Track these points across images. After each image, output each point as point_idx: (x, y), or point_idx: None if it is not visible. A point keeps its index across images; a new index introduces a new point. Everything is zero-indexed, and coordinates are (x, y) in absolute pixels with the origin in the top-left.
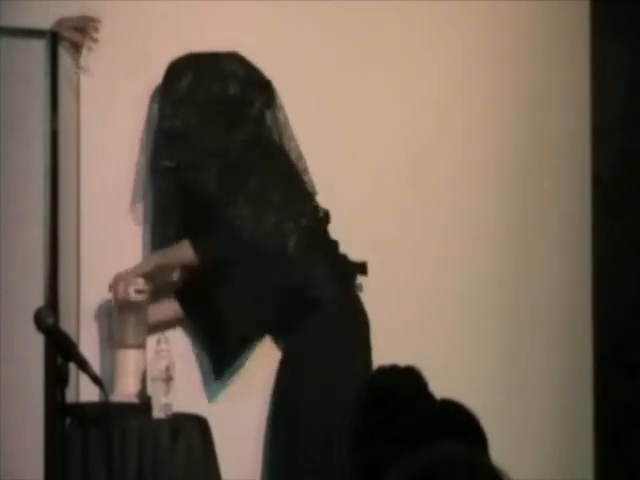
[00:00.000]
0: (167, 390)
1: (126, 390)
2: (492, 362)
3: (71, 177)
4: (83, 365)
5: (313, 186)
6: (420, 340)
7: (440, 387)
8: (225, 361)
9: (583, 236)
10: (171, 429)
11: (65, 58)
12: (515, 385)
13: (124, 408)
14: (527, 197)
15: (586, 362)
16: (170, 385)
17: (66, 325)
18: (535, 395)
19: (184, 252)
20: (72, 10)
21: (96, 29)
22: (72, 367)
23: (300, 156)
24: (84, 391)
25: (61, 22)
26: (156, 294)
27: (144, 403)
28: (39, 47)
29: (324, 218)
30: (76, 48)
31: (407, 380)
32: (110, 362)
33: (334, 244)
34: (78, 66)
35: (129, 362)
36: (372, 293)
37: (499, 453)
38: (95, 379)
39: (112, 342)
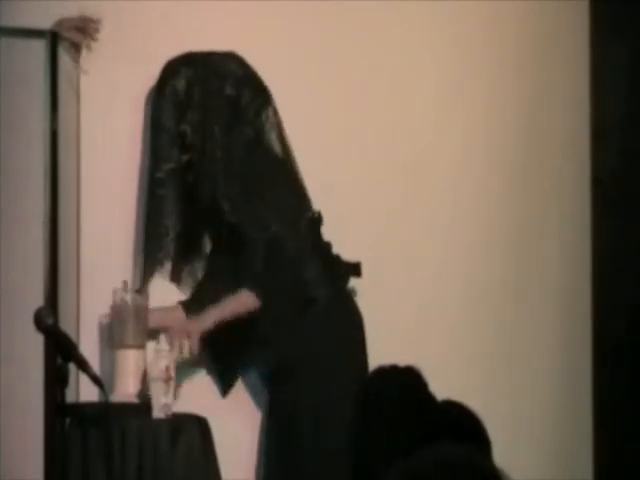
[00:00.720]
0: (167, 390)
1: (126, 390)
2: (492, 362)
3: (71, 177)
4: (83, 365)
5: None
6: (420, 340)
7: (440, 387)
8: (231, 380)
9: (583, 236)
10: (171, 429)
11: (65, 58)
12: (515, 385)
13: (124, 408)
14: (527, 197)
15: (586, 362)
16: (170, 385)
17: (66, 325)
18: (535, 395)
19: (246, 302)
20: (72, 10)
21: (96, 29)
22: (72, 367)
23: (293, 158)
24: (84, 391)
25: (61, 22)
26: None
27: (144, 403)
28: (39, 47)
29: (318, 219)
30: (76, 48)
31: (407, 380)
32: (110, 362)
33: (327, 245)
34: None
35: (129, 362)
36: (372, 293)
37: (499, 453)
38: (95, 379)
39: (112, 342)
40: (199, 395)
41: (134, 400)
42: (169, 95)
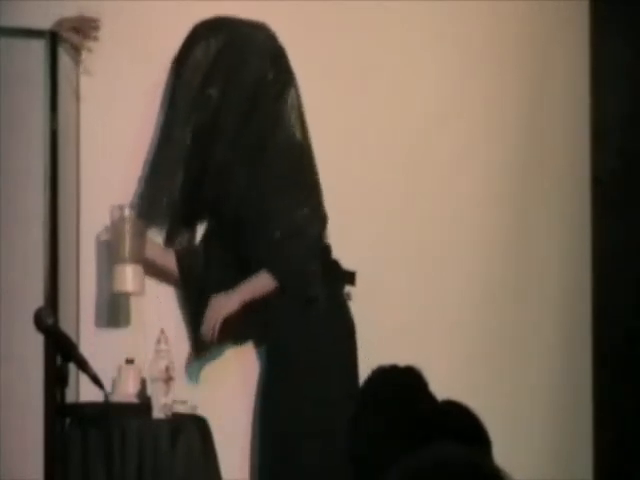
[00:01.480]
0: (167, 390)
1: (126, 390)
2: (492, 362)
3: (71, 177)
4: (83, 365)
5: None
6: (420, 340)
7: (440, 387)
8: (200, 345)
9: (583, 236)
10: (171, 429)
11: (65, 58)
12: (515, 385)
13: (124, 408)
14: (527, 197)
15: (586, 362)
16: (170, 385)
17: (66, 325)
18: (535, 395)
19: (265, 284)
20: (72, 10)
21: (96, 29)
22: (72, 367)
23: (310, 143)
24: (84, 391)
25: (61, 22)
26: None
27: (144, 403)
28: (39, 47)
29: (325, 218)
30: (76, 49)
31: (407, 380)
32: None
33: (328, 248)
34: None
35: (127, 276)
36: (372, 293)
37: (499, 453)
38: (95, 379)
39: (110, 259)
40: (199, 395)
41: (134, 400)
42: (196, 57)
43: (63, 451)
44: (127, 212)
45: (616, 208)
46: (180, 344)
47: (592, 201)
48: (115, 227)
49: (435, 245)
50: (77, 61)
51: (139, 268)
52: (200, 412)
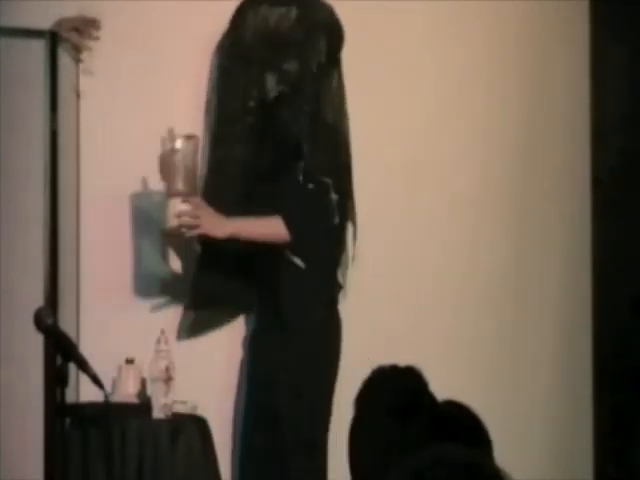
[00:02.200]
0: (167, 390)
1: (126, 390)
2: (492, 362)
3: (71, 177)
4: (83, 365)
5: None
6: (420, 340)
7: (440, 387)
8: (204, 302)
9: (583, 236)
10: (171, 429)
11: (65, 58)
12: (515, 385)
13: (124, 408)
14: (527, 197)
15: (586, 362)
16: (170, 385)
17: (66, 325)
18: (535, 395)
19: (276, 230)
20: (72, 10)
21: (96, 29)
22: (72, 367)
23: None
24: (84, 391)
25: (61, 22)
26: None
27: (144, 403)
28: (39, 47)
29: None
30: (76, 49)
31: (407, 380)
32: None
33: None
34: (76, 90)
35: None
36: (372, 293)
37: (499, 453)
38: (95, 379)
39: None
40: (199, 394)
41: (134, 400)
42: (264, 27)
43: (63, 451)
44: (179, 143)
45: (616, 208)
46: (180, 344)
47: (592, 201)
48: (166, 159)
49: (435, 245)
50: (77, 61)
51: (193, 201)
52: (200, 412)
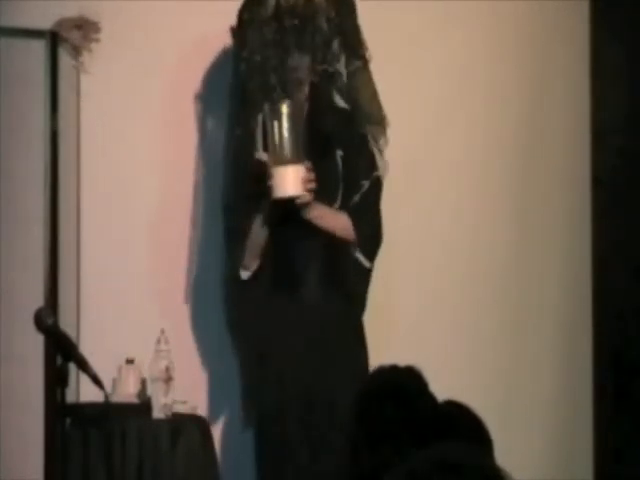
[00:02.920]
0: (167, 390)
1: (126, 390)
2: (492, 362)
3: (71, 177)
4: (83, 365)
5: None
6: (420, 340)
7: (440, 387)
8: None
9: (583, 236)
10: (171, 429)
11: (65, 58)
12: (515, 385)
13: (124, 408)
14: (527, 198)
15: (586, 362)
16: (170, 385)
17: (66, 325)
18: (535, 395)
19: (348, 230)
20: (72, 10)
21: (97, 31)
22: (72, 367)
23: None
24: (84, 391)
25: (61, 23)
26: None
27: (144, 403)
28: (39, 47)
29: None
30: (76, 49)
31: (407, 380)
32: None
33: None
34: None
35: (287, 180)
36: (372, 292)
37: (499, 453)
38: (95, 379)
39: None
40: (199, 394)
41: (134, 400)
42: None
43: (63, 451)
44: (285, 108)
45: (616, 208)
46: (180, 344)
47: (592, 201)
48: (272, 125)
49: (434, 246)
50: (77, 61)
51: (301, 169)
52: (200, 412)
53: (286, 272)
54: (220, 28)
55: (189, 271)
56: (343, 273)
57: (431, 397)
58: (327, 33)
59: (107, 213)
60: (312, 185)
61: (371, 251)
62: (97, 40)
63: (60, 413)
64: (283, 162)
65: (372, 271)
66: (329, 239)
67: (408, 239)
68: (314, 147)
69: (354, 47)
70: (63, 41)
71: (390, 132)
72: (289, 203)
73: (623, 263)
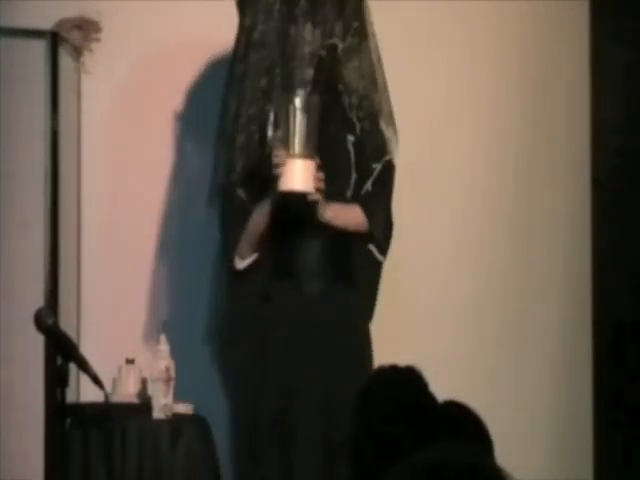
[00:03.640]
0: (167, 390)
1: (126, 390)
2: (492, 362)
3: (71, 177)
4: (83, 365)
5: None
6: (421, 340)
7: (441, 387)
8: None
9: (583, 236)
10: (171, 429)
11: (65, 58)
12: (515, 385)
13: (124, 408)
14: (527, 198)
15: (586, 362)
16: (170, 385)
17: (66, 325)
18: (535, 395)
19: (362, 222)
20: (72, 11)
21: (97, 31)
22: (72, 367)
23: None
24: (84, 391)
25: (61, 23)
26: None
27: (144, 403)
28: (39, 47)
29: None
30: (77, 49)
31: (407, 380)
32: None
33: None
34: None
35: (295, 174)
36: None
37: (499, 453)
38: (95, 379)
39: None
40: (199, 394)
41: (134, 400)
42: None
43: (63, 451)
44: (297, 101)
45: (616, 209)
46: (180, 344)
47: (592, 202)
48: (286, 117)
49: (435, 246)
50: (78, 61)
51: (310, 164)
52: (200, 412)
53: (288, 265)
54: (221, 28)
55: (189, 271)
56: (354, 267)
57: (431, 397)
58: (334, 5)
59: (107, 213)
60: (321, 184)
61: (384, 244)
62: (97, 40)
63: (60, 413)
64: (294, 155)
65: (383, 264)
66: (338, 233)
67: (410, 239)
68: (324, 132)
69: (354, 22)
70: (63, 41)
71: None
72: (293, 199)
73: (623, 263)
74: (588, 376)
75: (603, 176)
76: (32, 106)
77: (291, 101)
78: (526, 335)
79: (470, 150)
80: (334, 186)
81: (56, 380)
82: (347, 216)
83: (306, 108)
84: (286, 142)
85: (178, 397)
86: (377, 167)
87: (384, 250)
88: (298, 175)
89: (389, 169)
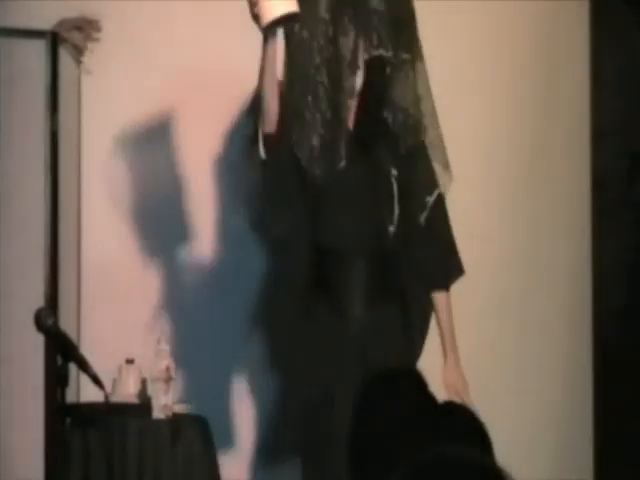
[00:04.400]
0: (167, 390)
1: (126, 390)
2: (492, 362)
3: (71, 177)
4: (83, 365)
5: None
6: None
7: (440, 388)
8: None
9: (583, 238)
10: (171, 429)
11: (66, 58)
12: (515, 385)
13: (124, 408)
14: (527, 199)
15: (586, 362)
16: (170, 385)
17: (66, 325)
18: (535, 395)
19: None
20: (72, 11)
21: (97, 31)
22: (72, 367)
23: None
24: (84, 391)
25: (61, 23)
26: None
27: (144, 403)
28: (39, 47)
29: None
30: (77, 49)
31: (407, 381)
32: None
33: None
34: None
35: None
36: None
37: (499, 453)
38: (95, 379)
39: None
40: (199, 394)
41: (134, 400)
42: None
43: (63, 451)
44: None
45: (616, 210)
46: (180, 344)
47: (592, 203)
48: None
49: None
50: (78, 61)
51: None
52: (200, 412)
53: (329, 283)
54: (222, 28)
55: (189, 271)
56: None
57: (431, 398)
58: (384, 15)
59: (107, 213)
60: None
61: (449, 282)
62: (97, 40)
63: (60, 413)
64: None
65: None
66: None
67: None
68: (368, 162)
69: (405, 38)
70: (63, 41)
71: None
72: (286, 24)
73: (623, 264)
74: (588, 376)
75: (603, 176)
76: (32, 106)
77: None
78: (526, 335)
79: (470, 150)
80: (377, 220)
81: (56, 380)
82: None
83: None
84: None
85: (178, 397)
86: (430, 200)
87: (448, 287)
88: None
89: (441, 204)
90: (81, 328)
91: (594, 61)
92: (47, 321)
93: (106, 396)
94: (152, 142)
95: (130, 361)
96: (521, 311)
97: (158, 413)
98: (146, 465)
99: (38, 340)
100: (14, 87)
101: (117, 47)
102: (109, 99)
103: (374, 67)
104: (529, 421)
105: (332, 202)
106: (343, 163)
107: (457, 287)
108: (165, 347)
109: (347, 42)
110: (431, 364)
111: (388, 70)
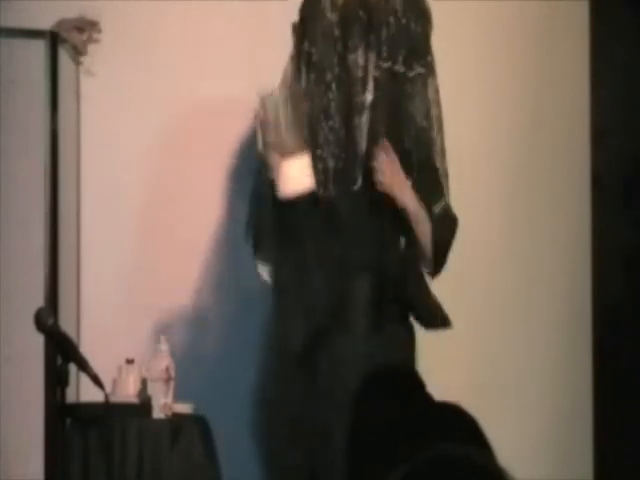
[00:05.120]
0: (167, 390)
1: (126, 390)
2: (491, 362)
3: (71, 177)
4: (83, 365)
5: None
6: (419, 339)
7: (440, 388)
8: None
9: (583, 237)
10: (171, 429)
11: (65, 58)
12: (515, 385)
13: (124, 408)
14: (527, 198)
15: (586, 362)
16: (170, 385)
17: (66, 325)
18: (535, 395)
19: (427, 231)
20: (72, 11)
21: (97, 30)
22: (72, 367)
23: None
24: (84, 391)
25: (61, 23)
26: None
27: (144, 403)
28: (39, 47)
29: None
30: (77, 49)
31: (404, 381)
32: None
33: None
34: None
35: (293, 170)
36: None
37: (499, 453)
38: (95, 379)
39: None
40: (199, 394)
41: (134, 400)
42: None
43: (63, 451)
44: (280, 98)
45: (616, 209)
46: (181, 344)
47: (592, 201)
48: (267, 118)
49: None
50: (77, 61)
51: (305, 159)
52: (200, 412)
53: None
54: (221, 28)
55: (189, 271)
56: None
57: (429, 398)
58: (395, 31)
59: (107, 213)
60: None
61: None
62: (97, 40)
63: (60, 413)
64: (284, 154)
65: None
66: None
67: None
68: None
69: (418, 52)
70: (63, 41)
71: None
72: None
73: (623, 264)
74: (588, 376)
75: (603, 175)
76: (32, 106)
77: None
78: (526, 335)
79: (469, 150)
80: (389, 229)
81: (56, 380)
82: (409, 192)
83: (287, 99)
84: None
85: (178, 397)
86: (436, 209)
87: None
88: (294, 175)
89: (448, 212)
90: (81, 328)
91: (594, 61)
92: (47, 321)
93: (106, 396)
94: (152, 142)
95: (130, 361)
96: (520, 311)
97: (158, 413)
98: (146, 465)
99: (38, 340)
100: (14, 87)
101: (117, 47)
102: (109, 99)
103: (384, 82)
104: (529, 421)
105: (344, 223)
106: (359, 184)
107: (456, 286)
108: (165, 347)
109: (357, 58)
110: (431, 364)
111: (402, 84)
